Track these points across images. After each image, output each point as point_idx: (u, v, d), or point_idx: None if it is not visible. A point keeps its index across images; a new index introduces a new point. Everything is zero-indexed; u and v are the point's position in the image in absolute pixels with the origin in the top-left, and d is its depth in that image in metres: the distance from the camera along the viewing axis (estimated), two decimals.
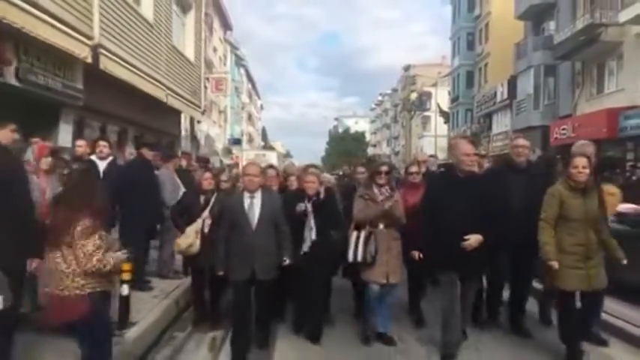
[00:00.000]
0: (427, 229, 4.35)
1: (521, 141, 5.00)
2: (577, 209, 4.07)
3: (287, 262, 4.36)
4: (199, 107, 16.11)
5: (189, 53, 14.52)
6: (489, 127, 29.96)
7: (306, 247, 4.58)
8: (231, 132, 37.01)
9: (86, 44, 7.69)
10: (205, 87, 18.02)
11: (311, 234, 4.59)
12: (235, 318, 4.44)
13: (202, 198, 5.11)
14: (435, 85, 51.16)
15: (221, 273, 4.33)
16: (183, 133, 16.52)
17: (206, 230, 4.89)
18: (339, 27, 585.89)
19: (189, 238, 4.90)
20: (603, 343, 4.56)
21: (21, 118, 5.87)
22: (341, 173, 15.63)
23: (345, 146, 69.70)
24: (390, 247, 4.56)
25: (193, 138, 18.36)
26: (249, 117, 53.99)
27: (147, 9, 10.78)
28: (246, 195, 4.32)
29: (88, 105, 8.59)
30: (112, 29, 8.80)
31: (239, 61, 41.92)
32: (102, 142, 6.18)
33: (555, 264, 4.03)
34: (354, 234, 4.56)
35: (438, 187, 4.58)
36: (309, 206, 4.63)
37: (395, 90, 69.15)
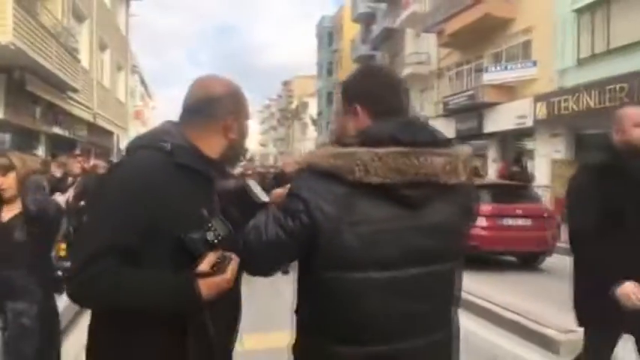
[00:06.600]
0: None
1: None
2: None
3: None
4: (125, 128, 23.58)
5: (121, 96, 21.94)
6: None
7: None
8: (129, 135, 42.69)
9: (90, 112, 15.36)
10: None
11: None
12: None
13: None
14: (312, 95, 60.40)
15: None
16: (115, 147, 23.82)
17: None
18: (236, 20, 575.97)
19: None
20: None
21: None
22: None
23: None
24: None
25: (119, 150, 25.42)
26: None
27: (106, 79, 18.30)
28: None
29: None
30: (101, 102, 16.55)
31: (134, 69, 47.45)
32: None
33: None
34: None
35: None
36: None
37: (280, 96, 76.58)
